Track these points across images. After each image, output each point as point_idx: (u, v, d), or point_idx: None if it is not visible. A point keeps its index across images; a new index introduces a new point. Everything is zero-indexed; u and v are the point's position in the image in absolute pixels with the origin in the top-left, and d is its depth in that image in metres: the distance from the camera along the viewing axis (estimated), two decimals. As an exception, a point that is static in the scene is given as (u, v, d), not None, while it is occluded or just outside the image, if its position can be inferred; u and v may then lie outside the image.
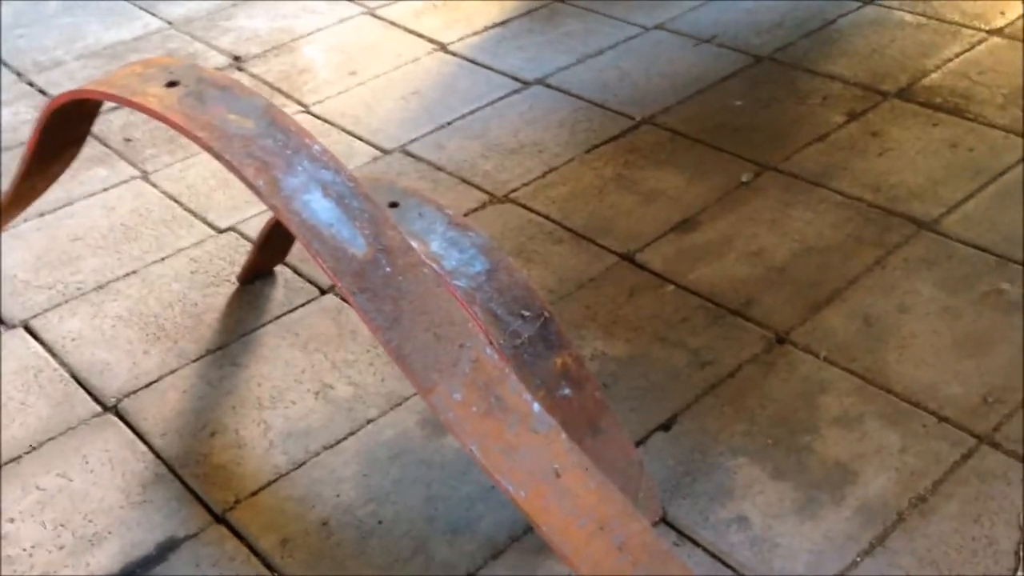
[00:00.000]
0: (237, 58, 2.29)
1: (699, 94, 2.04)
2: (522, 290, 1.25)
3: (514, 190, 1.81)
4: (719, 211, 1.71)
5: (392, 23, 2.40)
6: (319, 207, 1.01)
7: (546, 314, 1.24)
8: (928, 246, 1.58)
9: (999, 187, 1.67)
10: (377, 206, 1.05)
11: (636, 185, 1.80)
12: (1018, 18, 2.11)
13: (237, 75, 2.23)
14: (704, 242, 1.65)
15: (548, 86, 2.11)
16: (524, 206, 1.77)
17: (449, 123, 2.02)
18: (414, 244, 1.23)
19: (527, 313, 1.24)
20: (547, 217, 1.73)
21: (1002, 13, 2.13)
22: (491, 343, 1.13)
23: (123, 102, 1.13)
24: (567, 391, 1.20)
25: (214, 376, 1.43)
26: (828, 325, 1.46)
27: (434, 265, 1.22)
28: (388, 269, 1.01)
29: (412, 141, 1.97)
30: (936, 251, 1.56)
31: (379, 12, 2.45)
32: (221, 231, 1.74)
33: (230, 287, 1.60)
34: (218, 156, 1.05)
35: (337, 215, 1.01)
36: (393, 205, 1.32)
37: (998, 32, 2.07)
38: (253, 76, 2.22)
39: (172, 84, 1.15)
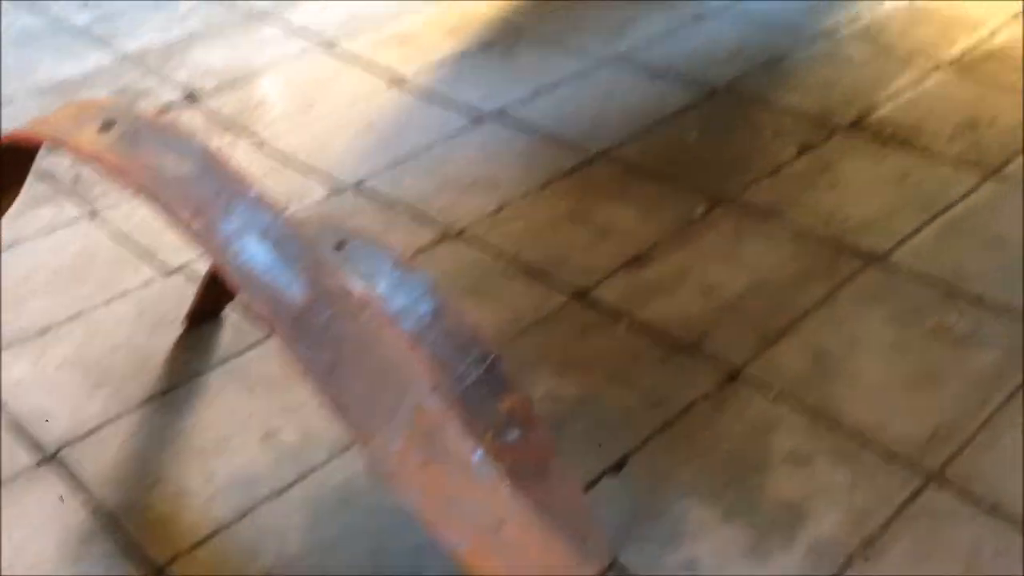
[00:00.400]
0: (191, 93, 2.27)
1: (654, 127, 2.04)
2: (469, 332, 1.24)
3: (468, 226, 1.80)
4: (673, 245, 1.71)
5: (350, 57, 2.39)
6: (256, 252, 0.99)
7: (493, 356, 1.23)
8: (878, 279, 1.58)
9: (947, 220, 1.69)
10: (317, 250, 1.03)
11: (590, 220, 1.79)
12: (967, 51, 2.14)
13: (191, 110, 2.21)
14: (657, 277, 1.64)
15: (504, 119, 2.11)
16: (478, 242, 1.76)
17: (405, 158, 2.01)
18: (360, 286, 1.22)
19: (474, 355, 1.23)
20: (500, 254, 1.72)
21: (951, 46, 2.16)
22: (436, 387, 1.12)
23: (56, 145, 1.11)
24: (515, 435, 1.19)
25: (158, 422, 1.40)
26: (779, 361, 1.46)
27: (380, 307, 1.21)
28: (327, 315, 0.99)
29: (367, 177, 1.96)
30: (886, 284, 1.57)
31: (337, 46, 2.45)
32: (170, 272, 1.71)
33: (177, 329, 1.58)
34: (152, 200, 1.03)
35: (274, 260, 0.99)
36: (340, 246, 1.30)
37: (947, 65, 2.10)
38: (207, 111, 2.20)
39: (107, 126, 1.13)
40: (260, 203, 1.02)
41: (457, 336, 1.23)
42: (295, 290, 0.98)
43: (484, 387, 1.21)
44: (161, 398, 1.44)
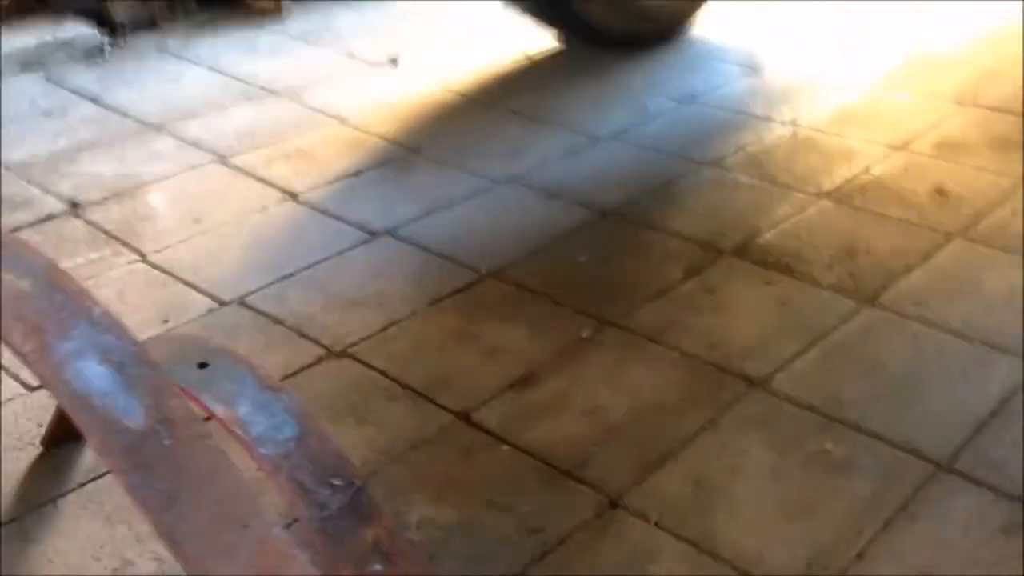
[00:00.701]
0: (75, 204, 2.21)
1: (545, 248, 2.05)
2: (334, 457, 1.19)
3: (352, 344, 1.76)
4: (559, 367, 1.69)
5: (243, 171, 2.37)
6: (93, 375, 0.94)
7: (359, 483, 1.18)
8: (759, 405, 1.58)
9: (826, 345, 1.71)
10: (162, 373, 0.98)
11: (477, 340, 1.77)
12: (847, 181, 2.22)
13: (74, 221, 2.15)
14: (542, 400, 1.62)
15: (396, 237, 2.09)
16: (361, 362, 1.71)
17: (292, 274, 1.97)
18: (220, 409, 1.16)
19: (338, 482, 1.17)
20: (384, 373, 1.68)
21: (832, 176, 2.24)
22: (292, 516, 1.06)
23: None
24: (378, 567, 1.13)
25: (3, 553, 1.30)
26: (661, 487, 1.43)
27: (239, 431, 1.15)
28: (168, 442, 0.93)
29: (252, 292, 1.91)
30: (766, 410, 1.57)
31: (231, 160, 2.42)
32: (34, 388, 1.62)
33: (33, 451, 1.48)
34: (-13, 318, 0.97)
35: (113, 383, 0.93)
36: (203, 366, 1.25)
37: (827, 195, 2.18)
38: (90, 222, 2.14)
39: (-49, 240, 1.07)
40: (103, 322, 0.97)
41: (321, 462, 1.17)
42: (133, 416, 0.92)
43: (347, 516, 1.14)
44: (9, 526, 1.34)
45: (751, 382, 1.63)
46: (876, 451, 1.47)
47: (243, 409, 1.20)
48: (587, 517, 1.38)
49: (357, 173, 2.37)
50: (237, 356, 1.28)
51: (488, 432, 1.55)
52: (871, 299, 1.82)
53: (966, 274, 1.87)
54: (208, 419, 1.09)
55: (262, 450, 1.16)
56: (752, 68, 2.84)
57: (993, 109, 2.50)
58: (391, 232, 2.11)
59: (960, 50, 2.87)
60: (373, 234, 2.11)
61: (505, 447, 1.52)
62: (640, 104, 2.66)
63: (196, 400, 1.13)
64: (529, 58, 3.00)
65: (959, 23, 3.06)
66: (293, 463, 1.17)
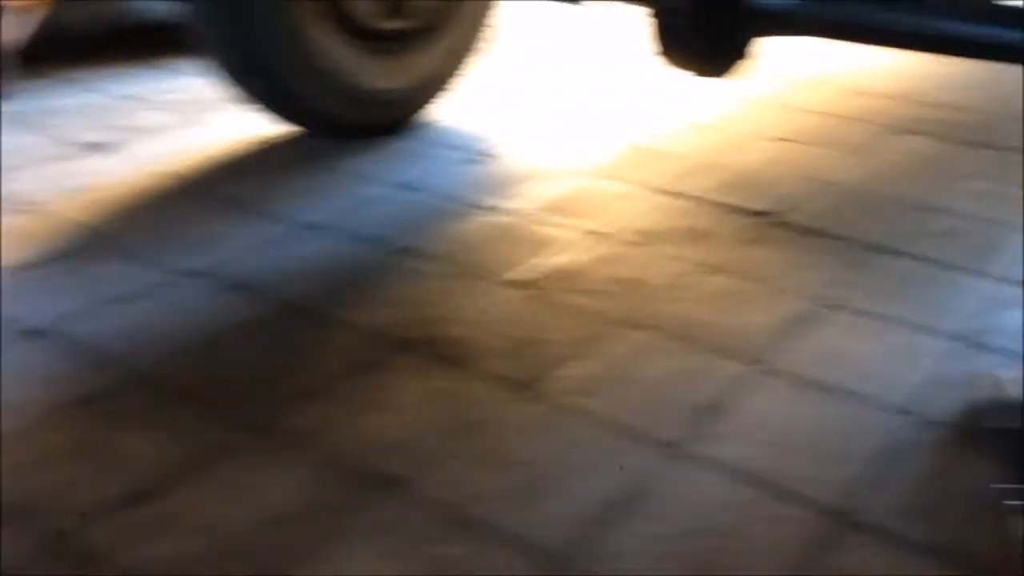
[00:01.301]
0: None
1: (215, 346, 1.93)
2: None
3: (-43, 459, 1.57)
4: (186, 478, 1.56)
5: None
6: None
7: None
8: (393, 509, 1.49)
9: (477, 441, 1.64)
10: None
11: (107, 449, 1.62)
12: (538, 271, 2.20)
13: None
14: (159, 515, 1.48)
15: (55, 336, 1.93)
16: (-39, 479, 1.53)
17: (-80, 379, 1.77)
18: None
19: None
20: (-14, 491, 1.51)
21: (521, 264, 2.22)
22: None
23: None
24: None
25: None
26: (263, 609, 1.31)
27: None
28: None
29: None
30: (398, 515, 1.48)
31: None
32: None
33: None
34: None
35: None
36: None
37: (517, 284, 2.14)
38: None
39: None
40: None
41: None
42: None
43: None
44: None
45: (390, 485, 1.54)
46: (494, 551, 1.40)
47: None
48: (168, 649, 1.25)
49: (35, 265, 2.20)
50: None
51: (86, 554, 1.40)
52: (535, 391, 1.78)
53: (633, 363, 1.86)
54: None
55: None
56: (477, 157, 2.84)
57: (693, 200, 2.57)
58: (51, 330, 1.95)
59: (670, 143, 2.96)
60: (31, 332, 1.94)
61: (103, 571, 1.37)
62: (356, 192, 2.60)
63: None
64: (255, 144, 2.91)
65: (670, 117, 3.17)
66: None
